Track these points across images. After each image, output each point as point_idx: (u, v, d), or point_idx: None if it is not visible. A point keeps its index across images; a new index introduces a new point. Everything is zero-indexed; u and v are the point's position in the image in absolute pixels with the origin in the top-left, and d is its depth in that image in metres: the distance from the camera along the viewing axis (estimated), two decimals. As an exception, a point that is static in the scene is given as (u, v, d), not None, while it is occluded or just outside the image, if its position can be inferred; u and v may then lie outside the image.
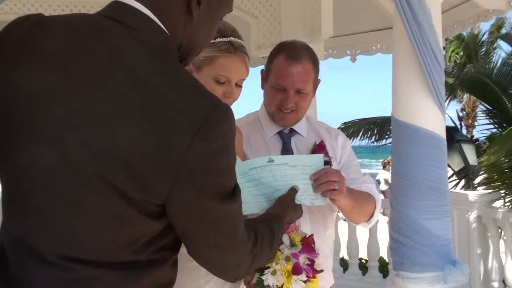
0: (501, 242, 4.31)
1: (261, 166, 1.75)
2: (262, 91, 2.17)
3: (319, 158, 1.86)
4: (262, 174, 1.74)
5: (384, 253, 5.05)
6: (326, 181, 1.79)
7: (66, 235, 1.07)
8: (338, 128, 10.40)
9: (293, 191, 1.78)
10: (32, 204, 1.08)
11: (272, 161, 1.75)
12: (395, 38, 2.17)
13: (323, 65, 4.00)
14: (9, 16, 4.07)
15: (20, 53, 1.10)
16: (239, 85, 1.80)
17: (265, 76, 2.12)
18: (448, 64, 14.51)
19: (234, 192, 1.16)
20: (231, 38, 1.77)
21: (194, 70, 1.77)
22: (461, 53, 13.08)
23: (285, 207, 1.69)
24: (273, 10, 3.96)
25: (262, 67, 2.25)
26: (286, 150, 2.09)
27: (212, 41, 1.72)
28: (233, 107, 2.08)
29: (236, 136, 2.01)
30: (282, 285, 1.67)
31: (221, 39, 1.73)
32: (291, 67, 2.03)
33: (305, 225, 1.98)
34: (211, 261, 1.22)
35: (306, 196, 1.82)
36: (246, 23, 4.05)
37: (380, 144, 10.56)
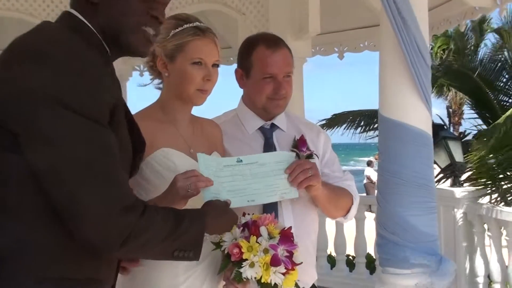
0: (486, 238, 4.35)
1: (232, 165, 1.79)
2: (233, 89, 2.17)
3: (291, 154, 1.91)
4: (233, 172, 1.78)
5: (371, 249, 5.08)
6: (301, 171, 1.83)
7: None
8: (328, 119, 10.46)
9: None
10: None
11: (241, 161, 1.80)
12: (382, 36, 2.18)
13: (309, 62, 4.02)
14: (3, 12, 4.03)
15: None
16: (215, 67, 1.83)
17: (242, 74, 2.12)
18: (434, 60, 14.61)
19: None
20: (196, 23, 1.81)
21: (168, 62, 1.79)
22: (448, 49, 13.18)
23: (210, 208, 1.59)
24: (260, 7, 3.96)
25: None
26: (269, 145, 2.10)
27: (178, 29, 1.77)
28: (209, 106, 2.09)
29: (216, 132, 2.03)
30: (261, 277, 1.67)
31: (187, 25, 1.75)
32: (276, 53, 2.06)
33: (288, 219, 1.99)
34: None
35: (276, 192, 1.86)
36: (234, 20, 4.05)
37: (367, 138, 10.60)
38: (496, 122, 6.80)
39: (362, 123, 10.27)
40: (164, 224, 1.30)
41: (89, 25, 1.33)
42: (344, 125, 10.31)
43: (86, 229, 1.19)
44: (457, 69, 10.30)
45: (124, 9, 1.34)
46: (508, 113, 6.74)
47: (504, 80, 9.90)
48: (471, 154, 5.45)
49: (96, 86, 1.22)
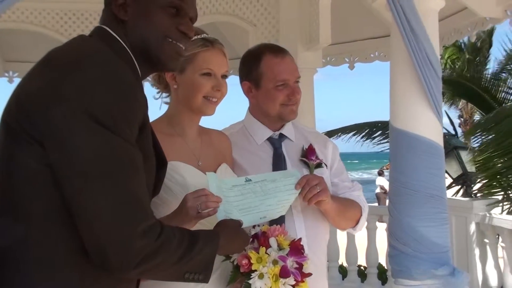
0: (499, 248, 4.31)
1: (241, 185, 1.79)
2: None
3: (295, 171, 1.93)
4: (243, 191, 1.78)
5: (383, 260, 5.04)
6: (309, 188, 1.86)
7: None
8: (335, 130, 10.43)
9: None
10: None
11: (250, 180, 1.81)
12: (393, 47, 2.19)
13: (319, 72, 4.03)
14: (8, 24, 4.09)
15: None
16: (224, 78, 1.85)
17: (250, 86, 2.13)
18: (444, 70, 14.54)
19: None
20: (204, 34, 1.84)
21: (177, 74, 1.81)
22: (457, 60, 13.10)
23: (223, 229, 1.57)
24: (271, 18, 3.98)
25: None
26: (278, 155, 2.11)
27: None
28: (219, 115, 2.11)
29: (225, 143, 2.05)
30: None
31: (196, 37, 1.78)
32: (284, 60, 2.10)
33: (300, 230, 2.00)
34: None
35: (284, 205, 1.88)
36: (245, 31, 4.08)
37: (378, 150, 10.56)
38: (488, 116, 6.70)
39: (370, 134, 10.23)
40: (179, 246, 1.29)
41: (121, 41, 1.35)
42: (353, 136, 10.28)
43: (104, 248, 1.19)
44: (463, 81, 10.28)
45: (153, 25, 1.36)
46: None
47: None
48: (477, 161, 5.41)
49: (129, 103, 1.23)
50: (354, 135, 9.92)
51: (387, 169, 15.02)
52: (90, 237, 1.20)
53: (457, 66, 12.88)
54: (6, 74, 5.04)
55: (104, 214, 1.18)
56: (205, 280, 1.38)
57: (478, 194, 5.02)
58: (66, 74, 1.20)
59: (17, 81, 5.02)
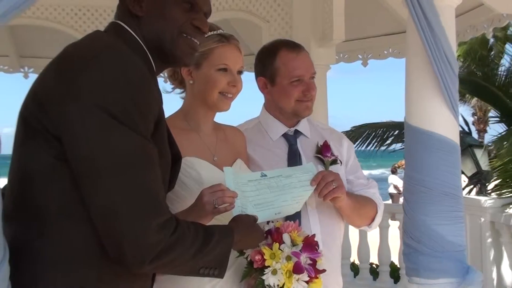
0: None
1: (256, 180, 1.79)
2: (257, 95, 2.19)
3: (311, 165, 1.92)
4: (258, 187, 1.78)
5: (395, 258, 5.03)
6: (324, 184, 1.86)
7: None
8: (347, 131, 10.39)
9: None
10: None
11: (265, 175, 1.82)
12: (409, 43, 2.16)
13: (332, 69, 4.00)
14: (23, 20, 4.12)
15: None
16: (239, 74, 1.85)
17: (266, 82, 2.13)
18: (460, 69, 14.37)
19: None
20: (220, 30, 1.84)
21: (193, 69, 1.81)
22: (468, 57, 12.91)
23: (238, 224, 1.58)
24: (284, 15, 3.97)
25: None
26: (293, 152, 2.10)
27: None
28: (234, 112, 2.11)
29: (240, 139, 2.05)
30: (284, 284, 1.66)
31: (211, 33, 1.78)
32: (300, 56, 2.09)
33: (315, 227, 1.99)
34: None
35: (298, 202, 1.87)
36: (258, 27, 4.07)
37: (390, 150, 10.50)
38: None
39: (383, 135, 10.18)
40: (194, 241, 1.30)
41: (136, 36, 1.35)
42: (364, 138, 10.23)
43: (120, 243, 1.19)
44: (476, 78, 10.17)
45: (168, 20, 1.36)
46: None
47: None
48: (493, 161, 5.37)
49: (144, 98, 1.23)
50: (367, 139, 9.88)
51: (399, 166, 14.94)
52: (106, 232, 1.21)
53: (466, 63, 12.71)
54: (22, 70, 5.08)
55: (120, 209, 1.18)
56: (220, 275, 1.38)
57: (493, 193, 4.97)
58: (82, 70, 1.20)
59: (32, 76, 5.10)
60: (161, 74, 5.73)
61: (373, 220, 2.14)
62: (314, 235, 1.78)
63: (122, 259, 1.22)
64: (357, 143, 9.83)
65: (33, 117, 1.25)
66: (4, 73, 5.10)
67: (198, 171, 1.78)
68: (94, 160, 1.18)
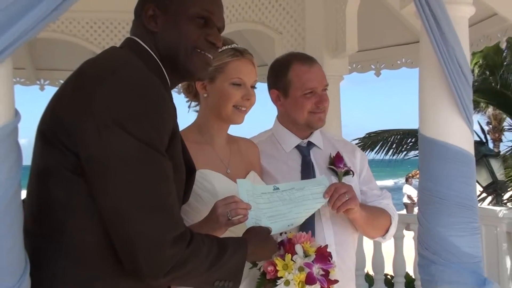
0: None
1: (269, 192, 1.80)
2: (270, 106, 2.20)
3: (324, 178, 1.93)
4: (271, 199, 1.80)
5: (410, 269, 4.98)
6: (337, 196, 1.87)
7: None
8: (362, 138, 10.37)
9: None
10: None
11: (278, 189, 1.83)
12: (422, 54, 2.16)
13: (345, 79, 4.00)
14: (39, 34, 4.19)
15: None
16: (253, 88, 1.87)
17: (279, 94, 2.14)
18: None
19: None
20: (234, 45, 1.86)
21: (208, 83, 1.83)
22: (483, 65, 12.81)
23: (252, 236, 1.59)
24: (297, 26, 3.99)
25: None
26: (306, 163, 2.11)
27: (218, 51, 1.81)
28: (248, 123, 2.12)
29: (254, 151, 2.06)
30: None
31: (225, 47, 1.80)
32: (313, 69, 2.11)
33: (329, 237, 1.99)
34: None
35: (312, 213, 1.88)
36: (271, 38, 4.09)
37: (402, 158, 10.45)
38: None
39: (398, 143, 10.14)
40: (209, 254, 1.31)
41: (151, 52, 1.37)
42: (379, 146, 10.20)
43: (136, 256, 1.21)
44: (491, 86, 10.09)
45: (182, 35, 1.39)
46: None
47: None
48: (508, 170, 5.32)
49: (159, 114, 1.25)
50: (382, 146, 9.84)
51: (413, 176, 14.84)
52: (122, 245, 1.22)
53: (481, 71, 12.63)
54: (38, 82, 5.15)
55: (136, 223, 1.20)
56: (235, 287, 1.39)
57: (509, 203, 4.92)
58: (98, 86, 1.23)
59: (48, 89, 5.16)
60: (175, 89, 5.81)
61: (387, 231, 2.14)
62: (326, 246, 1.78)
63: (137, 272, 1.23)
64: (374, 150, 9.80)
65: (51, 132, 1.27)
66: (21, 85, 5.17)
67: (212, 184, 1.79)
68: (109, 175, 1.20)
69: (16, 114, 1.13)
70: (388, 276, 5.24)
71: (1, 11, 1.05)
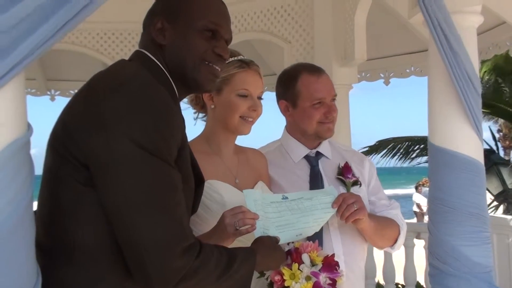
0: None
1: (278, 202, 1.81)
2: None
3: (332, 188, 1.94)
4: (280, 208, 1.80)
5: (421, 278, 4.94)
6: (346, 206, 1.86)
7: None
8: (372, 146, 10.36)
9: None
10: None
11: (286, 198, 1.83)
12: (431, 63, 2.17)
13: (353, 87, 4.00)
14: (59, 44, 4.25)
15: None
16: (260, 99, 1.89)
17: (287, 105, 2.15)
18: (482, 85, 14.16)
19: None
20: (240, 56, 1.88)
21: (215, 94, 1.85)
22: (492, 74, 12.75)
23: (260, 246, 1.58)
24: (306, 35, 4.00)
25: None
26: (315, 173, 2.12)
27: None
28: (255, 133, 2.14)
29: (262, 161, 2.07)
30: None
31: (232, 59, 1.81)
32: (321, 78, 2.12)
33: (337, 247, 1.99)
34: None
35: (320, 224, 1.88)
36: (280, 48, 4.11)
37: (413, 164, 10.42)
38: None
39: (408, 149, 10.11)
40: (218, 265, 1.32)
41: (160, 65, 1.39)
42: (388, 152, 10.18)
43: (145, 266, 1.22)
44: (501, 96, 10.04)
45: (190, 48, 1.40)
46: None
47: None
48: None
49: (168, 126, 1.26)
50: (390, 151, 9.82)
51: (423, 184, 14.76)
52: (131, 255, 1.23)
53: (492, 79, 12.56)
54: (48, 93, 5.20)
55: (145, 235, 1.21)
56: None
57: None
58: (107, 100, 1.25)
59: (58, 99, 5.21)
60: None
61: (395, 241, 2.14)
62: (333, 255, 1.78)
63: (147, 282, 1.24)
64: (382, 154, 9.77)
65: (61, 145, 1.29)
66: (32, 96, 5.22)
67: (220, 194, 1.80)
68: (119, 187, 1.22)
69: (29, 128, 1.15)
70: (399, 285, 5.21)
71: (13, 28, 1.06)
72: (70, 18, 1.10)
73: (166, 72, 1.41)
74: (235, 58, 1.86)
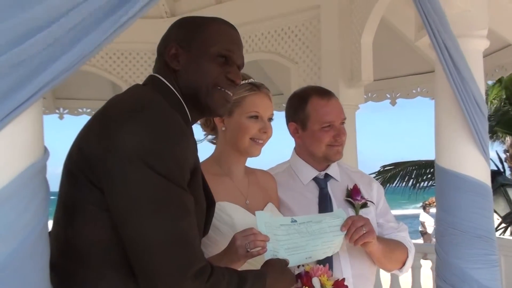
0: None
1: (287, 225, 1.81)
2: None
3: (341, 211, 1.94)
4: (289, 231, 1.81)
5: (428, 300, 4.90)
6: (355, 229, 1.87)
7: None
8: (377, 171, 10.33)
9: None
10: None
11: (295, 221, 1.83)
12: (437, 85, 2.18)
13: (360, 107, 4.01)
14: (84, 66, 4.31)
15: None
16: (270, 121, 1.91)
17: (297, 127, 2.17)
18: (489, 108, 14.20)
19: None
20: (251, 80, 1.91)
21: (226, 116, 1.87)
22: (502, 96, 12.75)
23: (270, 269, 1.59)
24: (313, 56, 4.03)
25: None
26: (323, 195, 2.12)
27: None
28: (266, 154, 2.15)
29: (271, 183, 2.08)
30: None
31: (243, 82, 1.84)
32: (330, 102, 2.14)
33: (346, 270, 1.99)
34: None
35: (332, 248, 1.89)
36: (286, 68, 4.14)
37: (419, 187, 10.38)
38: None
39: (413, 175, 10.08)
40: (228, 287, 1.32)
41: (173, 89, 1.42)
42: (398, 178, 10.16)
43: None
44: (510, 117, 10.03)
45: (204, 74, 1.43)
46: None
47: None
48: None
49: (181, 150, 1.28)
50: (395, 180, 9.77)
51: (429, 204, 14.67)
52: (144, 278, 1.25)
53: (502, 101, 12.56)
54: (57, 111, 5.25)
55: (157, 257, 1.22)
56: None
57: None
58: (122, 124, 1.27)
59: (67, 117, 5.26)
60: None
61: (404, 264, 2.13)
62: (344, 279, 1.78)
63: None
64: (391, 182, 9.73)
65: (77, 168, 1.31)
66: (41, 114, 5.25)
67: (230, 216, 1.81)
68: (133, 210, 1.24)
69: (45, 152, 1.16)
70: (406, 307, 5.14)
71: (39, 54, 1.08)
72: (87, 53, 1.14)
73: (179, 96, 1.43)
74: (246, 81, 1.89)
